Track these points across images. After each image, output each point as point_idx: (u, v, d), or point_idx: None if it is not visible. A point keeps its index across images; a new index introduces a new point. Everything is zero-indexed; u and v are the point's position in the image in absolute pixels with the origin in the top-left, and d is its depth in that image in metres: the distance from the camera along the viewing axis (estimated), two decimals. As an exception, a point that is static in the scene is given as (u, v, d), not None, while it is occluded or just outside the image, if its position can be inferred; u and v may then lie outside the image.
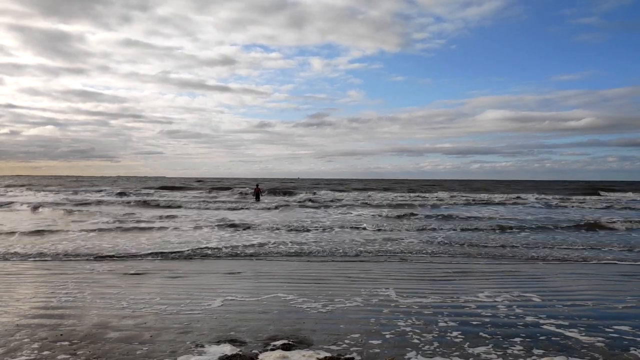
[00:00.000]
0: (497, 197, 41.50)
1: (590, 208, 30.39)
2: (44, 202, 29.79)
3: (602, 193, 47.61)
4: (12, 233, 15.02)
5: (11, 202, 29.72)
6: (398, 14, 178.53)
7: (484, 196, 42.22)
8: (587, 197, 42.95)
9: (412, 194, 46.01)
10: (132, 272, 9.38)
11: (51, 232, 15.53)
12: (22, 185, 60.50)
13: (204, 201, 32.85)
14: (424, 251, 12.42)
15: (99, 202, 32.45)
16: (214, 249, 12.56)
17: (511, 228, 17.63)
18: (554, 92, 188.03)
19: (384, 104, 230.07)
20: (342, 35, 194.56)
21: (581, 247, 13.31)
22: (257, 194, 33.37)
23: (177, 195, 41.30)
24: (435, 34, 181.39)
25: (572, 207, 31.09)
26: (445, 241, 14.18)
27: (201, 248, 12.56)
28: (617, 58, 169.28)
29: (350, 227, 17.63)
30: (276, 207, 27.59)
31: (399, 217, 22.06)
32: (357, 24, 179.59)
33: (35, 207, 25.99)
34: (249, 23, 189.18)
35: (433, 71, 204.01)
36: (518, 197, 39.49)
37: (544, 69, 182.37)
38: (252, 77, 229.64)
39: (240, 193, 42.89)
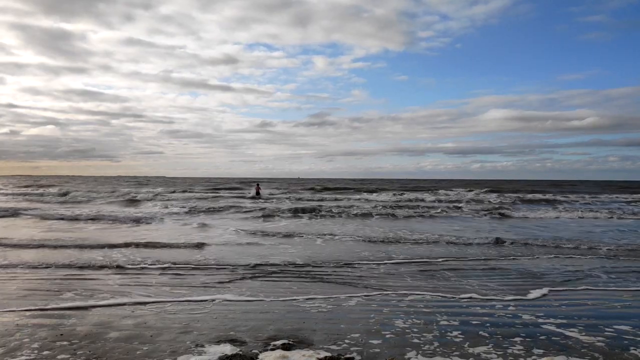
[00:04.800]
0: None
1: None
2: None
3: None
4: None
5: None
6: (404, 12, 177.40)
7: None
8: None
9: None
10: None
11: None
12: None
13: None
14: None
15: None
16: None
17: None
18: (559, 92, 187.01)
19: (387, 103, 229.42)
20: (347, 34, 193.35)
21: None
22: (258, 191, 37.93)
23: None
24: (441, 33, 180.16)
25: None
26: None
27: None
28: (624, 57, 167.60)
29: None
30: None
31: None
32: (362, 22, 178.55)
33: None
34: (253, 22, 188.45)
35: (437, 70, 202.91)
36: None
37: (549, 68, 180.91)
38: (255, 77, 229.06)
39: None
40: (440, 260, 10.84)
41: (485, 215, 23.61)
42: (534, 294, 7.61)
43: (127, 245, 12.40)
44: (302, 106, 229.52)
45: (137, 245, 12.47)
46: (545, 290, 7.81)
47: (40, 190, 43.29)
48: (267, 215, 22.25)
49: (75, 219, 20.05)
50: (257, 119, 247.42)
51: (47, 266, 9.60)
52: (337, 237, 14.87)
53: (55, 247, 12.17)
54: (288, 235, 15.02)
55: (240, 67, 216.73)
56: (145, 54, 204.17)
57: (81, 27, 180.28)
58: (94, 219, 19.98)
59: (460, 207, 26.87)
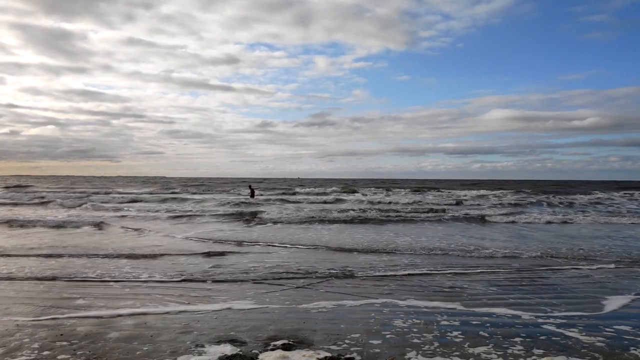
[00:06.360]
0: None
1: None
2: None
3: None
4: None
5: None
6: (406, 12, 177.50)
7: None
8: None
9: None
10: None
11: None
12: None
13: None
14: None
15: None
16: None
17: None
18: (560, 92, 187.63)
19: (388, 103, 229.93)
20: (349, 34, 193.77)
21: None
22: (252, 193, 38.07)
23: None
24: (443, 32, 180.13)
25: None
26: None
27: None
28: (626, 57, 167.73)
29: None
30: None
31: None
32: (364, 22, 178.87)
33: None
34: (255, 21, 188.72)
35: (438, 70, 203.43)
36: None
37: (551, 68, 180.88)
38: (256, 76, 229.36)
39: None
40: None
41: (472, 219, 21.46)
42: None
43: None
44: (302, 106, 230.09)
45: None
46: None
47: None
48: (247, 220, 20.44)
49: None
50: (258, 119, 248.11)
51: None
52: (297, 246, 12.83)
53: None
54: (261, 243, 13.46)
55: (241, 67, 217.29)
56: (146, 53, 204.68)
57: (82, 26, 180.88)
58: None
59: (448, 211, 24.91)
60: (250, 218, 21.04)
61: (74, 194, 40.96)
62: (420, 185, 72.26)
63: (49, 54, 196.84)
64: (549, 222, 20.61)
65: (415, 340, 5.35)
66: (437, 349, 5.08)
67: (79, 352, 4.90)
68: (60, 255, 10.99)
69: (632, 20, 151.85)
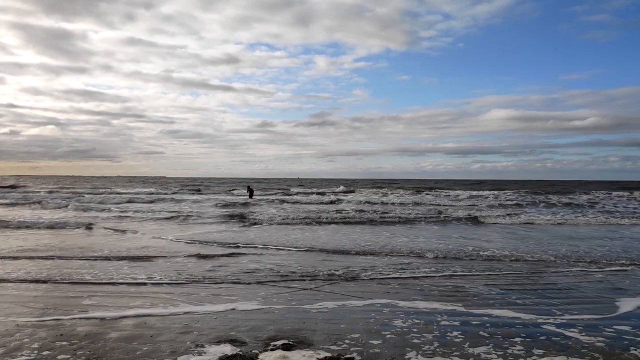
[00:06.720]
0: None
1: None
2: None
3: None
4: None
5: None
6: (406, 12, 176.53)
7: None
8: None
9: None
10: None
11: None
12: None
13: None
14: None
15: None
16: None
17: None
18: (561, 92, 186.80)
19: (388, 103, 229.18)
20: (349, 34, 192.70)
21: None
22: (251, 193, 38.52)
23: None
24: (443, 32, 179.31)
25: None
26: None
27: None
28: (626, 56, 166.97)
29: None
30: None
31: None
32: (365, 21, 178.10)
33: None
34: (255, 21, 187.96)
35: (439, 70, 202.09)
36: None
37: (551, 68, 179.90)
38: (256, 76, 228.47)
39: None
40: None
41: (471, 220, 20.97)
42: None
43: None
44: (302, 106, 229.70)
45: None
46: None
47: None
48: (244, 221, 20.12)
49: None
50: (258, 119, 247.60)
51: None
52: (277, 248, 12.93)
53: None
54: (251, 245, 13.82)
55: (242, 66, 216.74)
56: (146, 53, 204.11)
57: (82, 26, 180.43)
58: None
59: (446, 212, 24.44)
60: (248, 219, 20.91)
61: (73, 194, 40.90)
62: (419, 186, 72.25)
63: (49, 54, 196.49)
64: (548, 223, 20.60)
65: (415, 341, 5.35)
66: (437, 349, 5.08)
67: (79, 352, 4.90)
68: (51, 257, 10.98)
69: (632, 20, 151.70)
